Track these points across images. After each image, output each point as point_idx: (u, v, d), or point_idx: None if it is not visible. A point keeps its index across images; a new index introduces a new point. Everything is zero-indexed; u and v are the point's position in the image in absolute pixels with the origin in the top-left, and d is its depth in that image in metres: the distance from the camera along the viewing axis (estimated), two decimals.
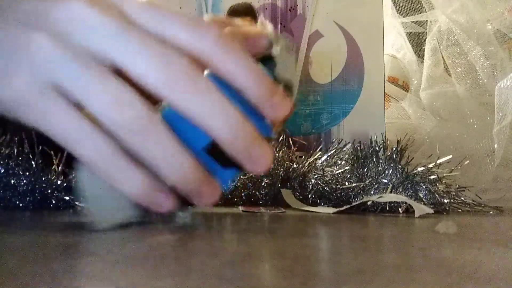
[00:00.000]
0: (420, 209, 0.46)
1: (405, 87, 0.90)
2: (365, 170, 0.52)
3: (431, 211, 0.46)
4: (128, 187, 0.27)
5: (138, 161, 0.27)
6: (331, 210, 0.46)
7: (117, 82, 0.25)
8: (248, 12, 0.71)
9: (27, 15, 0.26)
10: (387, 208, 0.50)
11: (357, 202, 0.49)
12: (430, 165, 0.53)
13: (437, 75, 0.85)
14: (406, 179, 0.51)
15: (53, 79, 0.25)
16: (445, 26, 0.83)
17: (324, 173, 0.52)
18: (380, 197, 0.49)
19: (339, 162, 0.54)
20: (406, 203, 0.50)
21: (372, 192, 0.51)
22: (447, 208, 0.51)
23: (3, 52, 0.26)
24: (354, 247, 0.27)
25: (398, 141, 0.53)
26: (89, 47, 0.25)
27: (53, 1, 0.26)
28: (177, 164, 0.27)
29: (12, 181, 0.41)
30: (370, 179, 0.51)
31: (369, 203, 0.50)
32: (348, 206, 0.48)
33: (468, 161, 0.55)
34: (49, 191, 0.43)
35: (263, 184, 0.52)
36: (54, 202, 0.43)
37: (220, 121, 0.26)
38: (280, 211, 0.46)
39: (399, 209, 0.50)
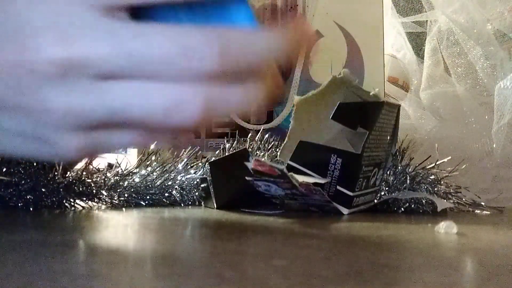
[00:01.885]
0: (442, 203, 0.46)
1: (405, 87, 0.90)
2: None
3: (452, 205, 0.47)
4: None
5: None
6: (343, 210, 0.46)
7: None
8: None
9: None
10: (393, 207, 0.50)
11: (380, 200, 0.50)
12: (430, 166, 0.53)
13: (437, 75, 0.84)
14: (407, 179, 0.51)
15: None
16: (445, 26, 0.83)
17: None
18: (399, 194, 0.50)
19: None
20: (406, 202, 0.50)
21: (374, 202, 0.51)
22: (446, 208, 0.51)
23: None
24: (354, 247, 0.27)
25: (399, 141, 0.53)
26: None
27: None
28: None
29: (13, 180, 0.41)
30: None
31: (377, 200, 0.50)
32: (372, 204, 0.48)
33: (467, 163, 0.55)
34: (50, 190, 0.42)
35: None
36: (55, 201, 0.43)
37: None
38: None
39: (398, 208, 0.50)
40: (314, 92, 0.47)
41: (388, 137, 0.49)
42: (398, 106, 0.50)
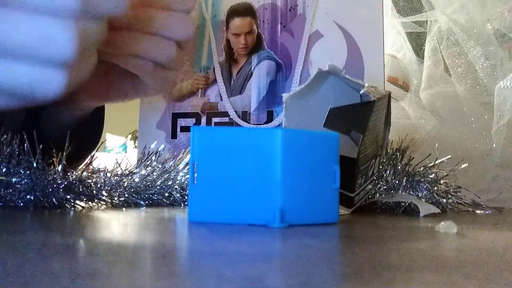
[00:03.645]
0: (426, 208, 0.45)
1: (405, 87, 0.90)
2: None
3: (438, 210, 0.46)
4: None
5: None
6: (345, 210, 0.46)
7: None
8: (248, 12, 0.71)
9: None
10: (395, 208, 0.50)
11: (368, 201, 0.50)
12: (430, 165, 0.53)
13: (437, 75, 0.85)
14: (407, 179, 0.52)
15: None
16: (445, 26, 0.83)
17: None
18: (390, 196, 0.50)
19: None
20: (405, 202, 0.50)
21: (373, 192, 0.51)
22: (446, 208, 0.51)
23: None
24: (354, 247, 0.27)
25: (399, 141, 0.53)
26: None
27: None
28: None
29: (13, 180, 0.41)
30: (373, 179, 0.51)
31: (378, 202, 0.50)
32: (359, 204, 0.48)
33: (467, 163, 0.55)
34: (50, 190, 0.42)
35: None
36: (54, 201, 0.43)
37: None
38: None
39: (398, 208, 0.50)
40: (301, 87, 0.47)
41: (382, 127, 0.48)
42: (388, 94, 0.49)
